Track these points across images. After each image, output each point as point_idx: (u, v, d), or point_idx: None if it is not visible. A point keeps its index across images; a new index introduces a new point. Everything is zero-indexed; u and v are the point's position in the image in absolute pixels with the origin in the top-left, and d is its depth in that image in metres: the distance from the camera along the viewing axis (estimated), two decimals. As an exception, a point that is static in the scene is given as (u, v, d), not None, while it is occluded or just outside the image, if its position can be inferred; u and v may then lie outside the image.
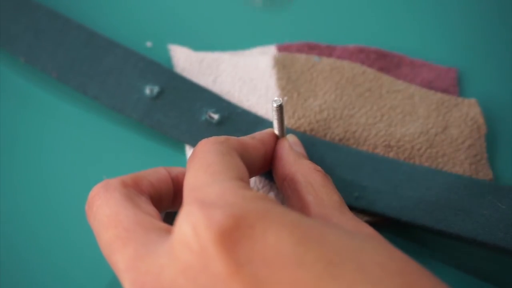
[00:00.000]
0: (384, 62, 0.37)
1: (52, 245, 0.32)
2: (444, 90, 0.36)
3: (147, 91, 0.34)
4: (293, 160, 0.28)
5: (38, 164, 0.34)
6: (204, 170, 0.23)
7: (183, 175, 0.27)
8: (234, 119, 0.33)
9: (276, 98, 0.28)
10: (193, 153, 0.25)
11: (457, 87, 0.36)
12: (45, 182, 0.33)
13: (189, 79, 0.35)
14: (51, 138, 0.35)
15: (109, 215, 0.24)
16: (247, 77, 0.36)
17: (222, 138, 0.26)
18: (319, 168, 0.28)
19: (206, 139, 0.26)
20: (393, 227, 0.31)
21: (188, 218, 0.21)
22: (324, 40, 0.38)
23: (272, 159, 0.30)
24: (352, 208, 0.31)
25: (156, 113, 0.34)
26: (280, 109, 0.29)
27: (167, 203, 0.27)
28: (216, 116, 0.33)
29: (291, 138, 0.31)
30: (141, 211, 0.24)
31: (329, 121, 0.33)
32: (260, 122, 0.33)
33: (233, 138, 0.27)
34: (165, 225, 0.23)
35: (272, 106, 0.29)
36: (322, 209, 0.25)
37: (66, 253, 0.31)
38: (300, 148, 0.30)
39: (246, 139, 0.28)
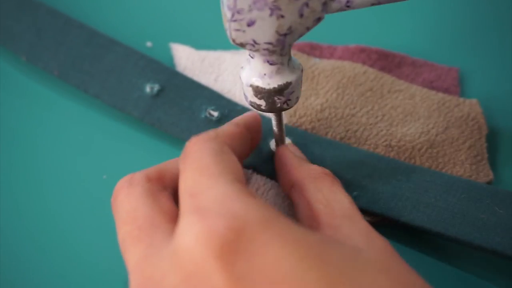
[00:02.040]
0: (385, 62, 0.37)
1: (50, 243, 0.32)
2: (446, 90, 0.36)
3: (148, 89, 0.34)
4: (298, 164, 0.28)
5: (38, 161, 0.34)
6: (201, 172, 0.23)
7: None
8: (234, 117, 0.33)
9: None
10: (185, 152, 0.25)
11: (459, 87, 0.36)
12: (46, 179, 0.33)
13: (190, 77, 0.35)
14: (52, 135, 0.35)
15: (128, 210, 0.24)
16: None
17: (212, 134, 0.25)
18: (327, 171, 0.27)
19: (196, 136, 0.25)
20: (391, 227, 0.31)
21: (190, 229, 0.20)
22: (325, 40, 0.38)
23: (276, 167, 0.30)
24: None
25: (157, 111, 0.34)
26: (279, 114, 0.29)
27: None
28: (216, 114, 0.33)
29: (289, 146, 0.30)
30: (158, 208, 0.24)
31: (330, 120, 0.33)
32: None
33: (221, 132, 0.26)
34: (173, 226, 0.23)
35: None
36: (332, 219, 0.24)
37: (63, 252, 0.31)
38: (299, 154, 0.30)
39: (232, 128, 0.27)
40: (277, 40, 0.24)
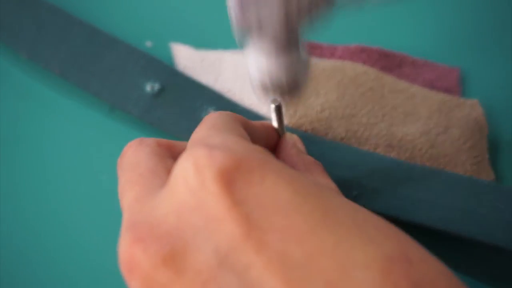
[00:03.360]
0: (386, 61, 0.36)
1: (48, 242, 0.32)
2: (447, 90, 0.36)
3: (148, 88, 0.34)
4: (295, 153, 0.28)
5: (37, 160, 0.34)
6: (208, 128, 0.24)
7: None
8: None
9: (274, 99, 0.28)
10: (200, 122, 0.26)
11: (460, 87, 0.36)
12: (44, 178, 0.33)
13: (190, 77, 0.35)
14: (52, 133, 0.35)
15: (133, 162, 0.24)
16: (249, 75, 0.36)
17: (227, 111, 0.26)
18: (319, 162, 0.28)
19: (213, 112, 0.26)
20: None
21: (190, 156, 0.21)
22: (326, 40, 0.38)
23: (274, 153, 0.30)
24: None
25: (157, 110, 0.34)
26: (278, 109, 0.29)
27: None
28: None
29: (293, 137, 0.31)
30: (163, 165, 0.24)
31: (330, 120, 0.33)
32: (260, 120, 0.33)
33: (237, 114, 0.27)
34: None
35: (270, 106, 0.29)
36: None
37: (62, 252, 0.31)
38: (301, 146, 0.30)
39: (250, 120, 0.28)
40: (284, 23, 0.24)
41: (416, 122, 0.33)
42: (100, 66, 0.35)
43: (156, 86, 0.34)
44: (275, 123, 0.30)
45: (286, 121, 0.34)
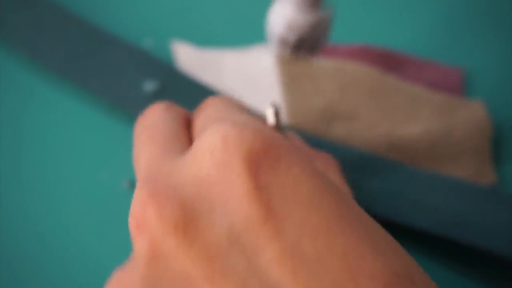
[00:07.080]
0: (388, 62, 0.36)
1: (48, 240, 0.32)
2: (450, 91, 0.35)
3: (147, 87, 0.34)
4: (309, 149, 0.28)
5: (35, 157, 0.34)
6: (227, 109, 0.23)
7: None
8: None
9: (270, 103, 0.28)
10: (202, 106, 0.25)
11: (463, 87, 0.36)
12: (43, 176, 0.33)
13: (190, 75, 0.35)
14: (50, 131, 0.35)
15: (157, 121, 0.24)
16: (250, 74, 0.36)
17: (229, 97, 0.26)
18: (335, 160, 0.28)
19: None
20: (392, 229, 0.31)
21: (219, 130, 0.20)
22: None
23: None
24: None
25: None
26: (276, 114, 0.28)
27: None
28: None
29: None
30: (184, 132, 0.24)
31: (331, 120, 0.33)
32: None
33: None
34: None
35: (268, 111, 0.28)
36: None
37: (61, 249, 0.31)
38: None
39: None
40: None
41: (418, 123, 0.33)
42: (99, 65, 0.35)
43: (156, 85, 0.34)
44: (272, 122, 0.29)
45: (287, 120, 0.33)
